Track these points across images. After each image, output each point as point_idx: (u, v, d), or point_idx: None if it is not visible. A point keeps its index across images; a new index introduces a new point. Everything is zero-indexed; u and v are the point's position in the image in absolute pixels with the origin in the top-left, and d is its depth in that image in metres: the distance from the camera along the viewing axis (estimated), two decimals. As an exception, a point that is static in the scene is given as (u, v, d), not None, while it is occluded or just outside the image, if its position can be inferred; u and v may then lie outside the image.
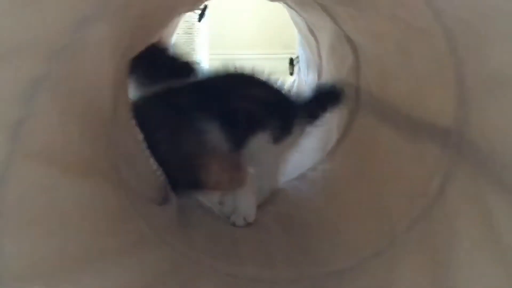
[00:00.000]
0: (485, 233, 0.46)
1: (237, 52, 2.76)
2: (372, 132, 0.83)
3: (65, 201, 0.45)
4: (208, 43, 2.19)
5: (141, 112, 0.66)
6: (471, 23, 0.47)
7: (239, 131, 0.71)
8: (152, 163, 0.73)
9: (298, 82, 1.60)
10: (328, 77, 1.21)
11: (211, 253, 0.69)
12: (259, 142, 0.75)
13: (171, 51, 0.81)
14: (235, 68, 0.84)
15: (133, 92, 0.70)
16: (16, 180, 0.36)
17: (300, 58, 1.58)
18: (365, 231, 0.69)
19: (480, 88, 0.49)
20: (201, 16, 1.55)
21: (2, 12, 0.32)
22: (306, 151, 1.10)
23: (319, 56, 1.28)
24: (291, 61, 1.59)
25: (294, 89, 1.60)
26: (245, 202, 0.77)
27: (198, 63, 0.83)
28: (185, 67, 0.79)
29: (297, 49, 3.10)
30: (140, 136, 0.70)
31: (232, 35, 2.70)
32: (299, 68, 1.59)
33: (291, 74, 1.61)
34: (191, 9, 1.23)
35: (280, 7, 1.30)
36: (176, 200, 0.80)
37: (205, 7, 1.58)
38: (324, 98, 0.96)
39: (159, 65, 0.72)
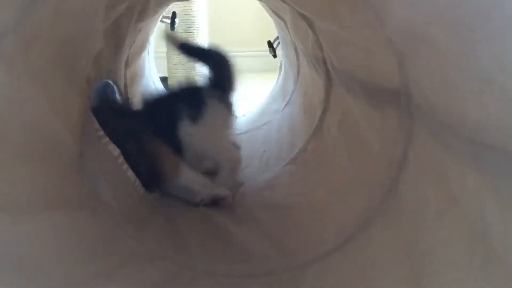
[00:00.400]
0: (445, 197, 0.45)
1: (236, 50, 2.74)
2: (346, 103, 0.81)
3: (36, 239, 0.46)
4: (208, 41, 2.20)
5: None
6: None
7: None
8: (130, 174, 0.75)
9: (284, 63, 1.58)
10: (302, 53, 1.20)
11: (203, 257, 0.71)
12: (183, 130, 0.90)
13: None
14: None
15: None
16: None
17: (280, 39, 1.56)
18: (349, 206, 0.68)
19: (408, 48, 0.47)
20: (172, 24, 1.56)
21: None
22: (296, 130, 1.10)
23: (290, 35, 1.27)
24: (270, 43, 1.57)
25: (282, 72, 1.59)
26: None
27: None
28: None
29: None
30: (116, 151, 0.74)
31: (231, 33, 2.69)
32: (281, 50, 1.57)
33: (274, 56, 1.59)
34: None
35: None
36: (161, 210, 0.82)
37: (174, 14, 1.58)
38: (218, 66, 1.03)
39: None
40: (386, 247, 0.53)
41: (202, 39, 2.13)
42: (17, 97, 0.43)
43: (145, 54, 1.31)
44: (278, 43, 1.58)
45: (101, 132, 0.72)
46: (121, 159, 0.76)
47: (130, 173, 0.77)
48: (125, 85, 1.07)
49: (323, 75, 0.96)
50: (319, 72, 1.00)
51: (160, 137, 0.86)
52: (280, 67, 1.64)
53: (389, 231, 0.55)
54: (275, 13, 1.20)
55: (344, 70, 0.75)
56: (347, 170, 0.77)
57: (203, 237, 0.77)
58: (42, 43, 0.44)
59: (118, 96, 1.00)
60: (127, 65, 1.07)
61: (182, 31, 1.94)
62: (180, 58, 1.98)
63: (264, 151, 1.17)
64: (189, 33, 2.05)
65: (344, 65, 0.74)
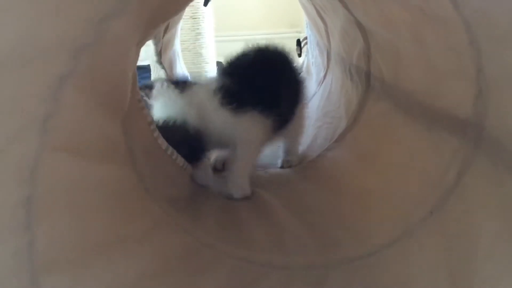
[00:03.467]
0: (506, 226, 0.46)
1: (243, 33, 2.75)
2: (385, 119, 0.82)
3: (89, 189, 0.46)
4: (214, 25, 2.17)
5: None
6: (492, 14, 0.46)
7: None
8: (166, 148, 0.75)
9: (307, 63, 1.59)
10: (337, 60, 1.21)
11: (224, 239, 0.71)
12: None
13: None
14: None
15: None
16: (46, 173, 0.37)
17: (308, 39, 1.56)
18: (377, 220, 0.69)
19: (500, 80, 0.48)
20: (206, 0, 1.55)
21: (27, 16, 0.32)
22: (315, 139, 1.10)
23: (328, 40, 1.27)
24: (298, 42, 1.57)
25: (303, 71, 1.60)
26: (238, 173, 0.85)
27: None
28: None
29: (304, 28, 3.09)
30: (165, 145, 0.74)
31: (237, 16, 2.67)
32: (308, 50, 1.58)
33: (299, 55, 1.59)
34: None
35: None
36: (190, 186, 0.82)
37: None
38: None
39: None
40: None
41: (208, 24, 2.10)
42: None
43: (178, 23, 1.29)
44: (306, 43, 1.59)
45: (153, 126, 0.72)
46: (170, 150, 0.76)
47: (179, 161, 0.78)
48: (161, 51, 1.06)
49: (361, 87, 0.96)
50: (355, 82, 1.01)
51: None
52: (301, 66, 1.65)
53: (430, 255, 0.56)
54: (319, 14, 1.20)
55: (398, 87, 0.76)
56: (374, 182, 0.78)
57: (224, 219, 0.78)
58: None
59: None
60: (165, 30, 1.06)
61: (187, 17, 1.90)
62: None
63: (279, 146, 1.17)
64: (195, 19, 2.02)
65: (400, 82, 0.74)
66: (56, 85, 0.36)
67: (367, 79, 0.93)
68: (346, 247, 0.68)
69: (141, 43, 0.60)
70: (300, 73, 0.98)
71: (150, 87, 0.84)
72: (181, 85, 0.85)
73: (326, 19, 1.19)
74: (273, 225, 0.77)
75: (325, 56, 1.33)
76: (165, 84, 0.84)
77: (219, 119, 0.80)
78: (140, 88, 0.77)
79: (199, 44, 1.85)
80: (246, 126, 0.81)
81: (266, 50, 0.92)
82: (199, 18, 1.98)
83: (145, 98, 0.81)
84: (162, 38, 1.06)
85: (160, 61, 1.06)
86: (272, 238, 0.74)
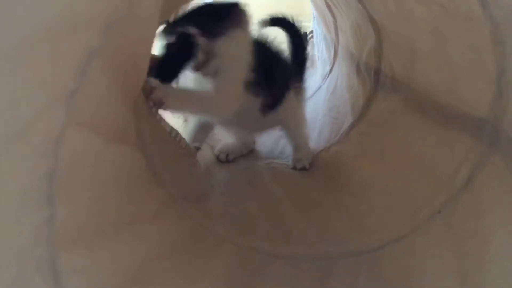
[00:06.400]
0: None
1: None
2: (393, 116, 0.82)
3: (104, 168, 0.46)
4: None
5: None
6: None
7: None
8: (170, 131, 0.75)
9: (311, 57, 1.58)
10: (345, 56, 1.20)
11: (228, 226, 0.70)
12: None
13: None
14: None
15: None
16: (68, 148, 0.36)
17: (314, 33, 1.55)
18: (383, 215, 0.69)
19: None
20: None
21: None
22: (320, 133, 1.10)
23: (336, 34, 1.27)
24: (305, 36, 1.56)
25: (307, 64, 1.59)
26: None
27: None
28: None
29: (307, 19, 3.07)
30: (168, 127, 0.75)
31: None
32: (313, 43, 1.57)
33: (305, 49, 1.59)
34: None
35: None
36: (194, 170, 0.81)
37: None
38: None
39: None
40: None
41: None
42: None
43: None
44: (311, 37, 1.58)
45: (154, 109, 0.71)
46: (174, 133, 0.75)
47: (182, 143, 0.77)
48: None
49: (369, 83, 0.96)
50: (363, 78, 1.01)
51: None
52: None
53: (438, 251, 0.56)
54: (329, 8, 1.20)
55: (410, 85, 0.75)
56: (381, 178, 0.78)
57: (230, 207, 0.78)
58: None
59: None
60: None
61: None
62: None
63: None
64: None
65: (413, 80, 0.74)
66: (86, 59, 0.35)
67: (376, 75, 0.92)
68: (351, 241, 0.68)
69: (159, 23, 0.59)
70: (283, 57, 0.95)
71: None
72: None
73: (336, 13, 1.19)
74: (277, 216, 0.77)
75: (332, 51, 1.32)
76: None
77: None
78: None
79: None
80: None
81: None
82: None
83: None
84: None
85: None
86: (275, 228, 0.73)
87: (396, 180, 0.73)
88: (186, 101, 0.74)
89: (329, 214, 0.76)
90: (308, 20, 3.06)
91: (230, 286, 0.60)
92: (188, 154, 0.81)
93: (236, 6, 0.79)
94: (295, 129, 1.00)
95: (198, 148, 0.88)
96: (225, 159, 0.97)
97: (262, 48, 0.84)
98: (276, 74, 0.89)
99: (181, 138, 0.78)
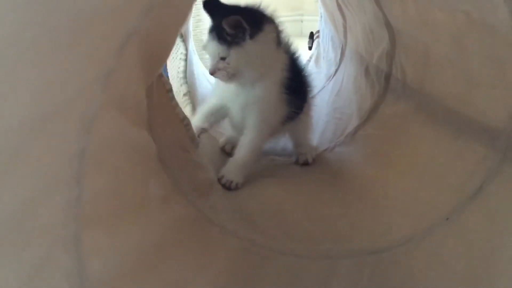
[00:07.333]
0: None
1: None
2: (402, 120, 0.82)
3: (125, 150, 0.45)
4: None
5: None
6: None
7: None
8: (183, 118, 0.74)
9: (316, 57, 1.58)
10: (352, 57, 1.21)
11: (231, 219, 0.70)
12: None
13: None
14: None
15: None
16: (99, 128, 0.36)
17: (321, 33, 1.55)
18: (388, 218, 0.69)
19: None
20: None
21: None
22: (323, 133, 1.10)
23: (345, 35, 1.27)
24: (311, 35, 1.56)
25: (311, 64, 1.59)
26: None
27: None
28: None
29: (306, 11, 3.08)
30: (182, 115, 0.75)
31: (238, 1, 2.65)
32: (318, 43, 1.57)
33: (310, 48, 1.58)
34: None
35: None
36: (201, 160, 0.81)
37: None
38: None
39: None
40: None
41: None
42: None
43: None
44: (317, 36, 1.58)
45: (171, 94, 0.71)
46: (186, 121, 0.76)
47: (191, 133, 0.78)
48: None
49: (378, 87, 0.96)
50: (371, 82, 1.01)
51: None
52: (309, 59, 1.64)
53: (447, 256, 0.57)
54: (339, 8, 1.20)
55: (423, 91, 0.76)
56: (385, 181, 0.78)
57: (233, 202, 0.77)
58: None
59: None
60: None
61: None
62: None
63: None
64: (195, 5, 1.97)
65: (426, 86, 0.75)
66: (125, 40, 0.35)
67: (386, 79, 0.93)
68: (354, 241, 0.68)
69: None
70: (307, 74, 0.97)
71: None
72: None
73: (347, 14, 1.19)
74: (279, 212, 0.77)
75: (339, 52, 1.32)
76: None
77: None
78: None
79: (199, 31, 1.81)
80: None
81: None
82: (199, 4, 1.92)
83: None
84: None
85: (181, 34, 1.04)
86: (277, 225, 0.73)
87: (402, 184, 0.73)
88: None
89: (332, 213, 0.77)
90: (308, 14, 3.08)
91: (233, 278, 0.60)
92: (194, 145, 0.81)
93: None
94: (303, 136, 1.00)
95: (204, 130, 0.88)
96: (230, 150, 0.97)
97: (292, 60, 0.87)
98: (302, 86, 0.92)
99: (191, 128, 0.77)
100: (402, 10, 0.76)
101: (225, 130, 1.03)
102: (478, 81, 0.60)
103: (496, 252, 0.50)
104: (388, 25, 0.89)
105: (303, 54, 1.67)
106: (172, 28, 0.48)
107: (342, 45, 1.29)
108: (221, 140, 0.99)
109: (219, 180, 0.81)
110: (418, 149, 0.75)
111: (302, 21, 3.19)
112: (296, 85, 0.85)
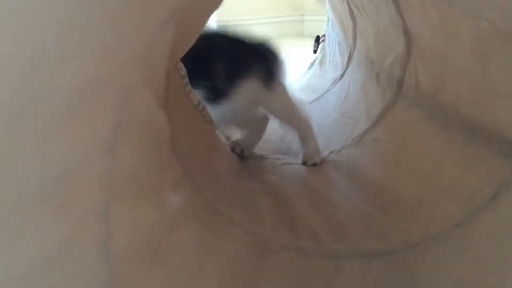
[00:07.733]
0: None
1: (245, 18, 2.72)
2: (413, 126, 0.83)
3: (150, 130, 0.45)
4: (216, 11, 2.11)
5: None
6: None
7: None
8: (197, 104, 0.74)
9: (320, 60, 1.58)
10: (361, 62, 1.21)
11: (239, 211, 0.70)
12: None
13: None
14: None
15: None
16: (131, 104, 0.37)
17: (327, 37, 1.55)
18: (396, 221, 0.70)
19: None
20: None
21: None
22: (331, 135, 1.10)
23: (354, 39, 1.27)
24: (317, 39, 1.56)
25: (314, 67, 1.59)
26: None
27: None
28: None
29: (307, 11, 3.09)
30: (196, 100, 0.75)
31: (240, 0, 2.65)
32: (324, 47, 1.57)
33: (315, 51, 1.59)
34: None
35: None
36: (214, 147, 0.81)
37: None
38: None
39: None
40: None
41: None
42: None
43: None
44: (323, 40, 1.58)
45: (185, 80, 0.71)
46: (201, 106, 0.76)
47: (207, 117, 0.78)
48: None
49: (389, 92, 0.97)
50: (382, 86, 1.01)
51: None
52: (313, 63, 1.64)
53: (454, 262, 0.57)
54: (351, 12, 1.20)
55: (437, 98, 0.76)
56: (394, 186, 0.78)
57: (242, 197, 0.77)
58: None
59: None
60: None
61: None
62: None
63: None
64: None
65: (441, 93, 0.75)
66: (169, 15, 0.34)
67: (398, 85, 0.93)
68: (361, 242, 0.68)
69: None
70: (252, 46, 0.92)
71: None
72: None
73: (358, 18, 1.19)
74: (285, 209, 0.77)
75: (346, 56, 1.33)
76: None
77: None
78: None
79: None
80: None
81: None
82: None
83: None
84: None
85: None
86: (283, 221, 0.73)
87: (411, 189, 0.73)
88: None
89: (337, 213, 0.77)
90: (308, 14, 3.09)
91: (239, 268, 0.60)
92: (210, 130, 0.81)
93: None
94: (287, 116, 1.00)
95: None
96: (240, 154, 0.97)
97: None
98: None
99: (207, 112, 0.77)
100: (423, 16, 0.76)
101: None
102: (497, 91, 0.61)
103: (506, 262, 0.50)
104: (405, 30, 0.89)
105: (305, 56, 1.68)
106: (203, 15, 0.47)
107: (350, 50, 1.29)
108: (231, 140, 0.99)
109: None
110: (429, 155, 0.75)
111: (303, 21, 3.20)
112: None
